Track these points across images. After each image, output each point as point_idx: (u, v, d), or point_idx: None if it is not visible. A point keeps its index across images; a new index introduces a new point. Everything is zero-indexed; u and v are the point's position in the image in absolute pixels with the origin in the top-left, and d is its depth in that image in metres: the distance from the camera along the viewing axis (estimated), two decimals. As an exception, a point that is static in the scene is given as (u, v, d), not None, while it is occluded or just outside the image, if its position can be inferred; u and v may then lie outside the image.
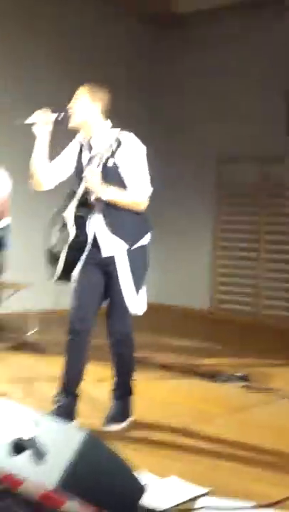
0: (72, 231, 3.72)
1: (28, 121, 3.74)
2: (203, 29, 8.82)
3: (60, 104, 3.92)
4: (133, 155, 3.73)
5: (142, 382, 4.47)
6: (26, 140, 3.96)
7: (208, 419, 4.13)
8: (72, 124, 3.78)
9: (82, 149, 3.87)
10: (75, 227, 3.72)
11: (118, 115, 3.95)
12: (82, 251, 3.78)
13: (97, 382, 4.63)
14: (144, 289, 3.83)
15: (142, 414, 4.01)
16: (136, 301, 3.77)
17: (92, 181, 3.68)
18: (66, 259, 3.74)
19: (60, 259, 3.74)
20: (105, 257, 3.76)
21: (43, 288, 6.85)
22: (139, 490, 2.64)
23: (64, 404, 3.80)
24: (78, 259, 3.78)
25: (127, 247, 3.74)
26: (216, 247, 9.06)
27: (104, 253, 3.76)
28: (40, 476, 2.42)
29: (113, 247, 3.74)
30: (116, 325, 3.84)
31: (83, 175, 3.75)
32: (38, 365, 5.13)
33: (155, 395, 4.60)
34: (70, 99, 3.84)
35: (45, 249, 3.87)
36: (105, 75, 8.09)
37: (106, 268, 3.77)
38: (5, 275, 6.53)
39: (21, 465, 2.53)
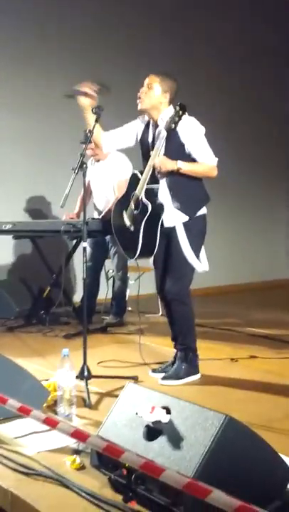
0: (149, 206, 3.90)
1: (74, 92, 3.96)
2: None
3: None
4: (194, 129, 3.94)
5: (278, 361, 4.41)
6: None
7: None
8: (141, 108, 4.02)
9: (147, 130, 4.11)
10: (149, 202, 3.91)
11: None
12: (157, 223, 3.96)
13: (230, 361, 4.60)
14: (203, 252, 4.09)
15: (280, 397, 3.82)
16: (198, 261, 4.02)
17: (162, 162, 3.89)
18: (143, 236, 3.92)
19: (140, 236, 3.92)
20: (167, 227, 3.98)
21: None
22: (287, 474, 2.44)
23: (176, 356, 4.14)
24: (156, 233, 3.96)
25: (187, 218, 3.96)
26: None
27: (167, 223, 3.98)
28: (178, 462, 2.29)
29: (174, 218, 3.97)
30: (172, 287, 4.03)
31: (150, 153, 3.96)
32: (165, 347, 5.01)
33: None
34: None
35: (118, 230, 4.17)
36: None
37: (168, 235, 3.99)
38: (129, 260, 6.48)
39: (157, 451, 2.40)
